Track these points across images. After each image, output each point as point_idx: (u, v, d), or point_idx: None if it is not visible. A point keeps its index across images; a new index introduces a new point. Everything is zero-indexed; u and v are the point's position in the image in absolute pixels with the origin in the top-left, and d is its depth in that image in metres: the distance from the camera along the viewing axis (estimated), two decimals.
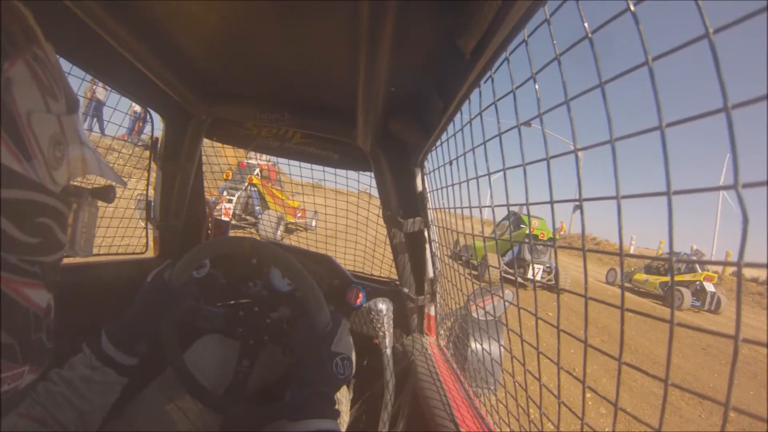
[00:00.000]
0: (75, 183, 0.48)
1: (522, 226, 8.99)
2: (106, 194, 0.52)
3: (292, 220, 6.27)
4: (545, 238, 8.43)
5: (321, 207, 1.76)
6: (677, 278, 10.31)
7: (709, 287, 10.16)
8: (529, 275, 7.90)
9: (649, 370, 0.38)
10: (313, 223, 6.04)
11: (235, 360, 0.94)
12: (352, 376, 1.10)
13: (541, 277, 8.22)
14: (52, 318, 0.41)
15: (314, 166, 1.33)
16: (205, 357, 0.98)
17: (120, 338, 0.70)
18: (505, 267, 7.23)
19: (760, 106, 0.25)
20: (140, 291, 0.79)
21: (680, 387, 0.34)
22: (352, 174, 1.39)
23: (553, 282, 8.06)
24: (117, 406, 0.73)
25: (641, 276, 11.82)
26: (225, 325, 0.97)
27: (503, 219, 8.92)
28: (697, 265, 10.28)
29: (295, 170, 1.45)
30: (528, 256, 8.03)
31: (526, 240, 8.03)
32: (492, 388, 0.92)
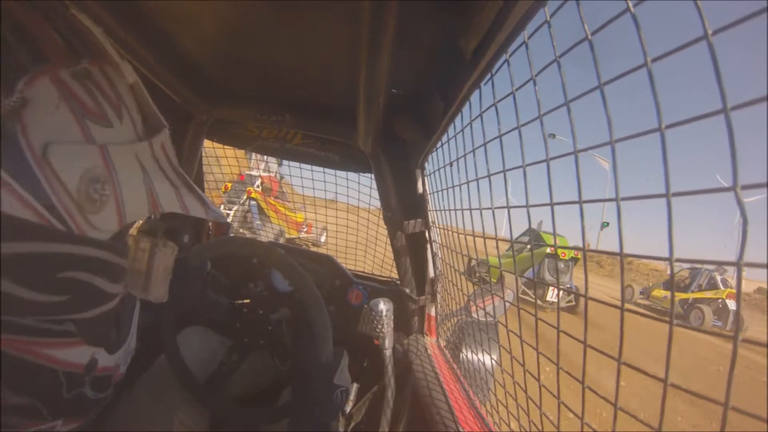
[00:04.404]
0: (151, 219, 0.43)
1: (541, 243, 8.07)
2: (176, 235, 0.45)
3: (296, 235, 5.86)
4: (566, 258, 7.57)
5: (325, 221, 1.75)
6: (697, 295, 9.60)
7: (732, 305, 9.00)
8: (548, 298, 7.02)
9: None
10: (322, 239, 5.46)
11: (223, 353, 0.94)
12: (353, 377, 1.10)
13: (561, 299, 7.52)
14: (108, 367, 0.38)
15: (327, 180, 1.35)
16: (187, 346, 0.98)
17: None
18: (524, 288, 6.49)
19: (760, 108, 0.25)
20: None
21: (680, 387, 0.34)
22: (363, 188, 1.40)
23: (574, 303, 7.34)
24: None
25: (660, 292, 11.03)
26: (225, 317, 0.97)
27: (521, 235, 8.02)
28: (720, 282, 9.41)
29: (302, 182, 1.45)
30: (548, 276, 7.36)
31: (547, 258, 7.39)
32: (492, 388, 0.92)
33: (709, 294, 9.69)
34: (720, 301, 9.25)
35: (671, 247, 0.31)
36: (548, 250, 6.80)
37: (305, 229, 5.84)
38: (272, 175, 5.41)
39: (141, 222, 0.42)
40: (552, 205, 0.46)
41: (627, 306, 0.38)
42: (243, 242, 0.84)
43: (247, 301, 1.06)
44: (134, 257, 0.39)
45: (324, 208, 1.72)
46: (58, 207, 0.28)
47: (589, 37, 0.37)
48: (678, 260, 0.32)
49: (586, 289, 0.50)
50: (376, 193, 1.35)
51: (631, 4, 0.33)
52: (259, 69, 0.84)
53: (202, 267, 0.84)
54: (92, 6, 0.61)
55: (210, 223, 1.43)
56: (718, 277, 9.32)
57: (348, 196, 1.47)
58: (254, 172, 5.60)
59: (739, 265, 0.27)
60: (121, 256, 0.35)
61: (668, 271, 10.76)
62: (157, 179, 0.37)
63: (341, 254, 1.70)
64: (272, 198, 5.86)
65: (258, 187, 6.04)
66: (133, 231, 0.41)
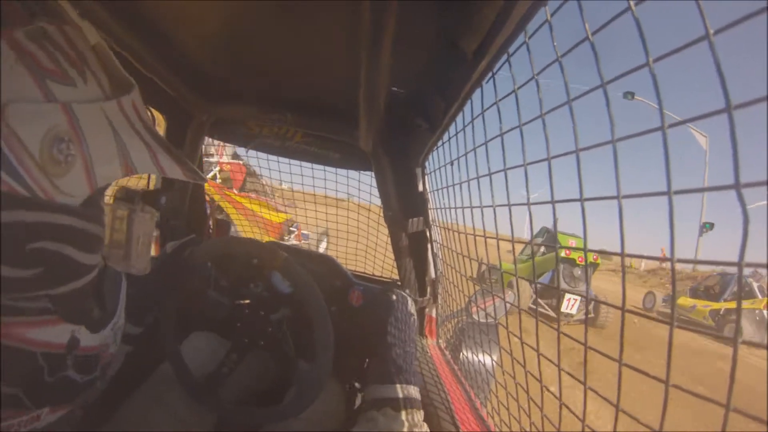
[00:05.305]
0: (128, 185, 0.40)
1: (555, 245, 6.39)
2: (154, 197, 0.43)
3: (273, 239, 3.83)
4: (583, 264, 6.39)
5: (317, 220, 1.69)
6: (731, 305, 8.24)
7: None
8: (563, 309, 6.08)
9: None
10: (323, 245, 4.03)
11: (223, 354, 0.94)
12: (354, 380, 1.10)
13: (578, 310, 6.18)
14: (92, 347, 0.36)
15: (318, 176, 1.34)
16: (195, 349, 0.98)
17: (128, 310, 0.70)
18: (536, 297, 5.76)
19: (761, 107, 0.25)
20: (156, 261, 0.79)
21: (681, 388, 0.34)
22: (361, 185, 1.40)
23: (593, 315, 6.24)
24: (108, 407, 0.74)
25: (687, 301, 9.18)
26: (226, 316, 0.97)
27: (535, 236, 6.58)
28: (756, 290, 8.02)
29: (302, 179, 1.43)
30: (564, 283, 6.39)
31: (561, 263, 6.42)
32: (493, 389, 0.92)
33: (745, 303, 8.09)
34: (757, 312, 7.73)
35: (672, 247, 0.31)
36: (564, 253, 5.90)
37: (294, 233, 4.51)
38: (239, 163, 4.41)
39: (116, 189, 0.39)
40: (553, 203, 0.46)
41: (645, 312, 0.38)
42: (244, 242, 0.84)
43: (247, 301, 1.06)
44: (113, 227, 0.37)
45: (313, 204, 1.67)
46: (20, 171, 0.26)
47: (590, 37, 0.37)
48: (679, 260, 0.32)
49: (588, 290, 0.50)
50: (375, 191, 1.35)
51: (632, 3, 0.32)
52: (259, 68, 0.84)
53: (204, 266, 0.85)
54: (91, 5, 0.62)
55: (211, 222, 1.43)
56: (755, 285, 8.06)
57: (348, 193, 1.46)
58: (211, 159, 4.59)
59: (739, 265, 0.27)
60: (94, 223, 0.32)
61: (714, 277, 9.49)
62: (128, 139, 0.34)
63: (341, 254, 1.69)
64: (234, 192, 4.33)
65: (215, 177, 4.77)
66: (108, 200, 0.38)
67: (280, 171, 1.47)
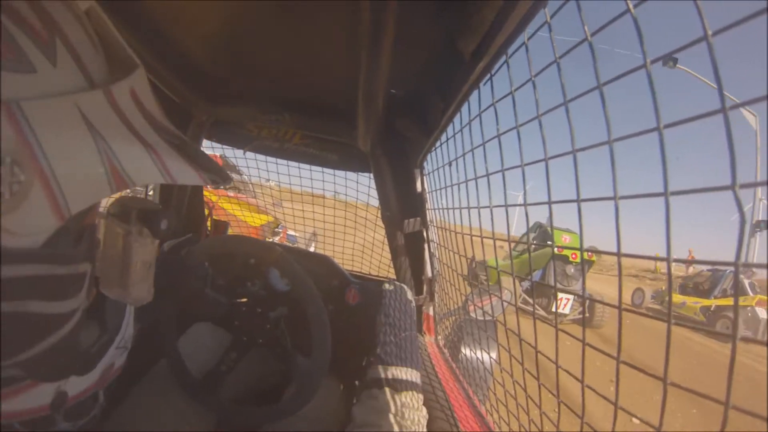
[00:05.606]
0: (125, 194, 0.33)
1: (548, 242, 6.01)
2: (153, 221, 0.33)
3: None
4: (578, 260, 5.95)
5: (301, 218, 1.65)
6: (722, 302, 8.12)
7: (762, 314, 7.36)
8: (554, 308, 5.50)
9: None
10: (312, 248, 3.62)
11: (222, 351, 0.94)
12: (353, 379, 1.11)
13: (571, 310, 5.75)
14: (85, 389, 0.32)
15: (314, 174, 1.34)
16: (197, 344, 0.98)
17: None
18: (525, 296, 5.48)
19: (759, 107, 0.25)
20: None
21: (679, 386, 0.35)
22: (351, 184, 1.39)
23: (588, 315, 5.84)
24: (108, 405, 0.74)
25: (677, 298, 8.91)
26: (225, 314, 0.97)
27: (529, 230, 6.24)
28: (747, 286, 7.75)
29: (302, 178, 1.41)
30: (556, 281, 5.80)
31: (554, 260, 5.80)
32: (491, 387, 0.92)
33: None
34: (749, 308, 7.51)
35: (669, 247, 0.31)
36: (555, 250, 5.64)
37: (279, 236, 4.20)
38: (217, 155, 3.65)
39: (110, 202, 0.32)
40: (550, 203, 0.46)
41: (634, 309, 0.38)
42: (241, 241, 0.85)
43: (245, 300, 1.07)
44: (106, 242, 0.31)
45: (299, 203, 1.63)
46: None
47: (589, 38, 0.37)
48: (675, 260, 0.33)
49: (584, 289, 0.50)
50: (372, 192, 1.35)
51: (631, 5, 0.33)
52: (258, 68, 0.84)
53: (201, 265, 0.85)
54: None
55: (209, 223, 1.43)
56: (746, 281, 7.87)
57: (344, 194, 1.46)
58: None
59: (736, 264, 0.27)
60: (68, 263, 0.25)
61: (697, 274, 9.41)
62: (118, 141, 0.25)
63: (337, 255, 1.68)
64: (208, 188, 3.43)
65: None
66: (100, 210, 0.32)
67: (279, 170, 1.46)
